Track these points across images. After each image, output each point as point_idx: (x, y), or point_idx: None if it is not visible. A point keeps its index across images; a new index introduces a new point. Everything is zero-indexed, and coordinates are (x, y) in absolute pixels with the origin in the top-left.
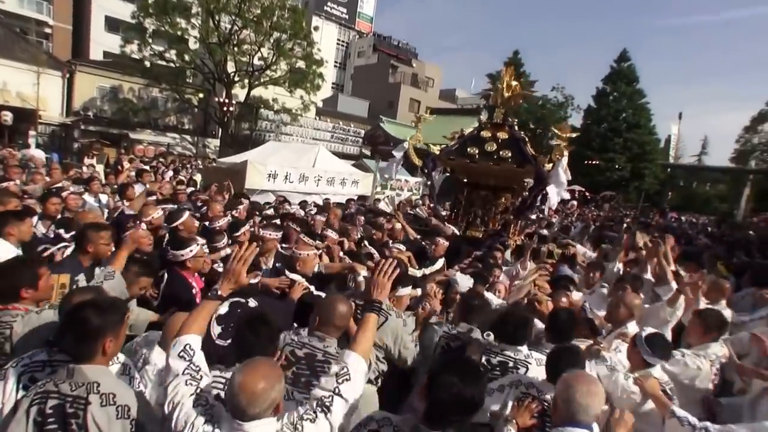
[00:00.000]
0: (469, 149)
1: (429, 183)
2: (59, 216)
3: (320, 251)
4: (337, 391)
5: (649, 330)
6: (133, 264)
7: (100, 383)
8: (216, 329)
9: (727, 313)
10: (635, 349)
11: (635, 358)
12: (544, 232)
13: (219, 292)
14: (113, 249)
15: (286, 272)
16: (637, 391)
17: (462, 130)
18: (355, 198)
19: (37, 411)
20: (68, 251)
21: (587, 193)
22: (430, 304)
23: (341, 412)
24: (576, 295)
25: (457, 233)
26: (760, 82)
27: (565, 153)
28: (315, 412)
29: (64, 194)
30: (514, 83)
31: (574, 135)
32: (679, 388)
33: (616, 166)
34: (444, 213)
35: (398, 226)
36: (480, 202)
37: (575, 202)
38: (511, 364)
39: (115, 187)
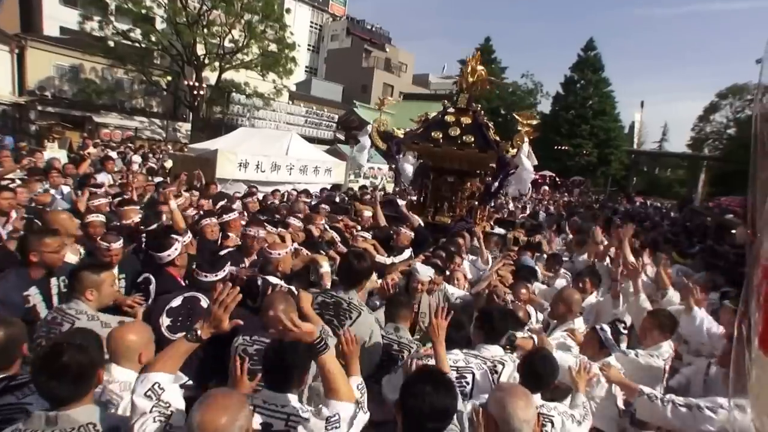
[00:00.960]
0: (433, 133)
1: (393, 167)
2: (13, 213)
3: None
4: None
5: (607, 326)
6: (88, 271)
7: (95, 423)
8: (165, 321)
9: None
10: (597, 344)
11: (593, 351)
12: (521, 219)
13: (198, 334)
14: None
15: (263, 277)
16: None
17: (426, 114)
18: (329, 187)
19: None
20: None
21: (558, 178)
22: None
23: None
24: (537, 287)
25: (421, 223)
26: (715, 74)
27: (526, 139)
28: None
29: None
30: (479, 68)
31: (534, 122)
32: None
33: (584, 152)
34: (413, 199)
35: (367, 213)
36: (447, 188)
37: (546, 187)
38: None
39: (77, 177)
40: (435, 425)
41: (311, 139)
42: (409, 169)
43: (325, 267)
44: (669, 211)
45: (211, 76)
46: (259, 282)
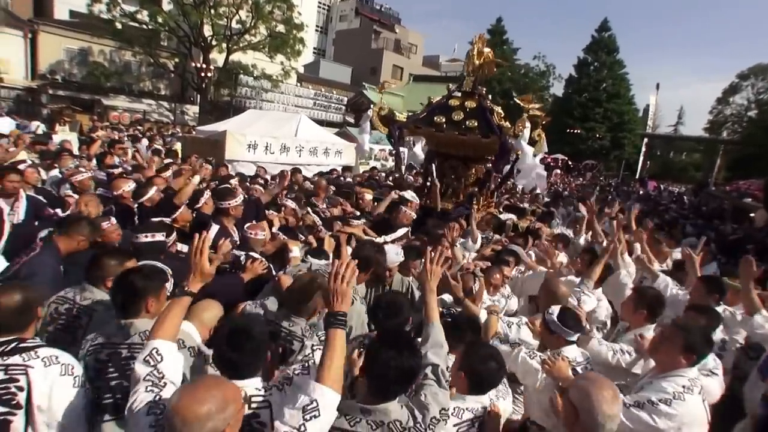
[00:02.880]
0: (436, 118)
1: (395, 152)
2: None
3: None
4: (302, 429)
5: (555, 309)
6: (109, 257)
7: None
8: None
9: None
10: (550, 332)
11: (550, 340)
12: (526, 205)
13: (188, 289)
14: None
15: (246, 253)
16: (539, 368)
17: (430, 98)
18: (339, 168)
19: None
20: None
21: (570, 162)
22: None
23: None
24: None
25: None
26: (735, 55)
27: (528, 125)
28: None
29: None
30: (486, 50)
31: (537, 106)
32: (605, 369)
33: (597, 136)
34: (417, 184)
35: (368, 197)
36: (450, 174)
37: (558, 171)
38: None
39: (84, 157)
40: (401, 387)
41: (320, 122)
42: (420, 154)
43: (295, 252)
44: (682, 196)
45: (218, 58)
46: (242, 257)
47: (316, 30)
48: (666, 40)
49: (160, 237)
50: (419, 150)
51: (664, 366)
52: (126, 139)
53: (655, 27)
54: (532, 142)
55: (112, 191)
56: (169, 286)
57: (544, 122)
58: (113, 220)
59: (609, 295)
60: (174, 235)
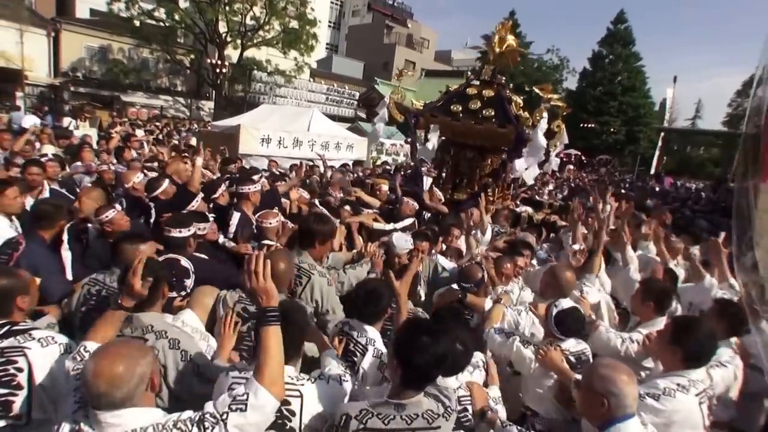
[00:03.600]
0: (452, 106)
1: (410, 140)
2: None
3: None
4: (224, 417)
5: (564, 305)
6: (126, 242)
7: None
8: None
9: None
10: (545, 322)
11: (547, 329)
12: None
13: (121, 303)
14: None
15: (260, 242)
16: (532, 357)
17: (448, 86)
18: (350, 163)
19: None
20: None
21: (583, 157)
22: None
23: None
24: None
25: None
26: (756, 48)
27: (545, 115)
28: (190, 426)
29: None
30: (509, 38)
31: (555, 96)
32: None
33: (612, 130)
34: (433, 175)
35: (384, 187)
36: (466, 164)
37: (571, 167)
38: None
39: (104, 151)
40: (436, 373)
41: (332, 117)
42: (431, 149)
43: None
44: (700, 192)
45: (233, 54)
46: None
47: (329, 26)
48: (684, 30)
49: (187, 232)
50: (431, 145)
51: (667, 366)
52: (143, 134)
53: (673, 17)
54: (551, 134)
55: (123, 184)
56: (190, 282)
57: (564, 113)
58: (118, 207)
59: (620, 291)
60: (209, 224)
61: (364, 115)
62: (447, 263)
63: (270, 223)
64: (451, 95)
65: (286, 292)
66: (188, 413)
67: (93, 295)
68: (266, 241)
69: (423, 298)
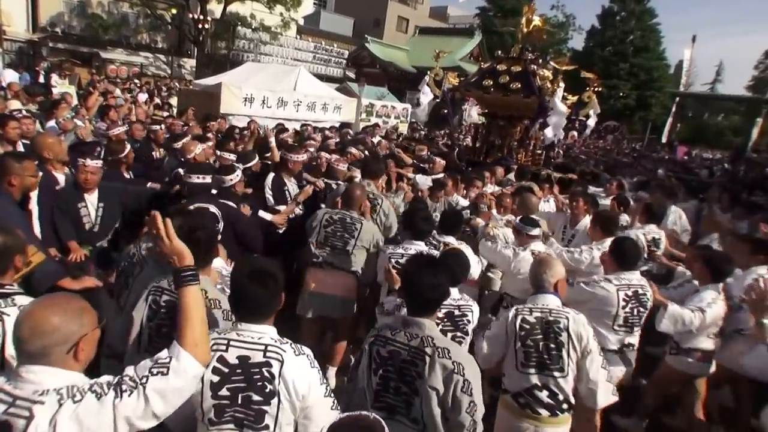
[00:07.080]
0: (484, 81)
1: (447, 113)
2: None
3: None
4: (143, 381)
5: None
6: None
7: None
8: None
9: None
10: (518, 233)
11: (519, 239)
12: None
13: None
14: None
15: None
16: (511, 255)
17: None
18: (338, 125)
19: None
20: None
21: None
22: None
23: (133, 407)
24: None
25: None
26: None
27: (561, 84)
28: (106, 390)
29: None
30: (535, 19)
31: (571, 67)
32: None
33: (621, 94)
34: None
35: (423, 153)
36: (497, 131)
37: (575, 133)
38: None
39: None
40: (438, 302)
41: (320, 77)
42: (474, 116)
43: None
44: (717, 163)
45: (216, 9)
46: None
47: None
48: None
49: (209, 179)
50: (475, 112)
51: (607, 270)
52: (118, 93)
53: None
54: (581, 104)
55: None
56: (220, 227)
57: (595, 84)
58: (97, 160)
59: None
60: (237, 174)
61: (353, 75)
62: (462, 200)
63: (297, 158)
64: (484, 72)
65: (358, 211)
66: (107, 377)
67: (161, 306)
68: (307, 176)
69: None
